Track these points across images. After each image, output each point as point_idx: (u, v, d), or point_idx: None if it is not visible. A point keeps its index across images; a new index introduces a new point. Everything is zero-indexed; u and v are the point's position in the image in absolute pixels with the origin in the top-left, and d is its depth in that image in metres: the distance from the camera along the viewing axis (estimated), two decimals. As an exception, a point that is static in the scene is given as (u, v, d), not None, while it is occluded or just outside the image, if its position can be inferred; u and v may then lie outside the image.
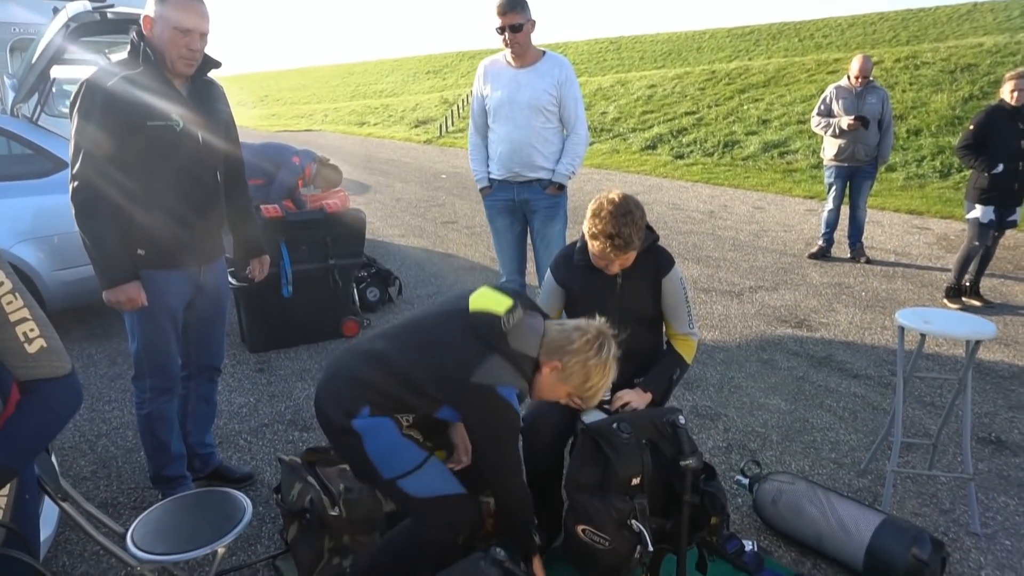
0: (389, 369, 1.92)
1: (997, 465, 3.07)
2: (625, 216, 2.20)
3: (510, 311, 1.93)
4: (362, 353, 1.99)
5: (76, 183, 2.30)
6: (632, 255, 2.30)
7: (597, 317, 2.15)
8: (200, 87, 2.49)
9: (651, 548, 1.98)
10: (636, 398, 2.31)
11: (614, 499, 1.98)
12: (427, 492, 1.95)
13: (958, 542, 2.56)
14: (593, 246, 2.28)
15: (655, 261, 2.40)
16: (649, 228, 2.40)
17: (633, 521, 1.98)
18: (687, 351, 2.45)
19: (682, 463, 2.05)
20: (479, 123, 3.75)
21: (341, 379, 1.96)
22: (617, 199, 2.24)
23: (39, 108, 4.51)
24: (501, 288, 2.03)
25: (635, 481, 2.03)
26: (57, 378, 1.59)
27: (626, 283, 2.39)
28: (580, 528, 2.00)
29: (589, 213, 2.27)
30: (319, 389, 1.99)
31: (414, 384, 1.91)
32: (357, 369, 1.95)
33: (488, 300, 1.96)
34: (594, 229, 2.24)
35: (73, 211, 2.32)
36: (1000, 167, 4.86)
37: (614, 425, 2.06)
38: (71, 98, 2.33)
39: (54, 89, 5.22)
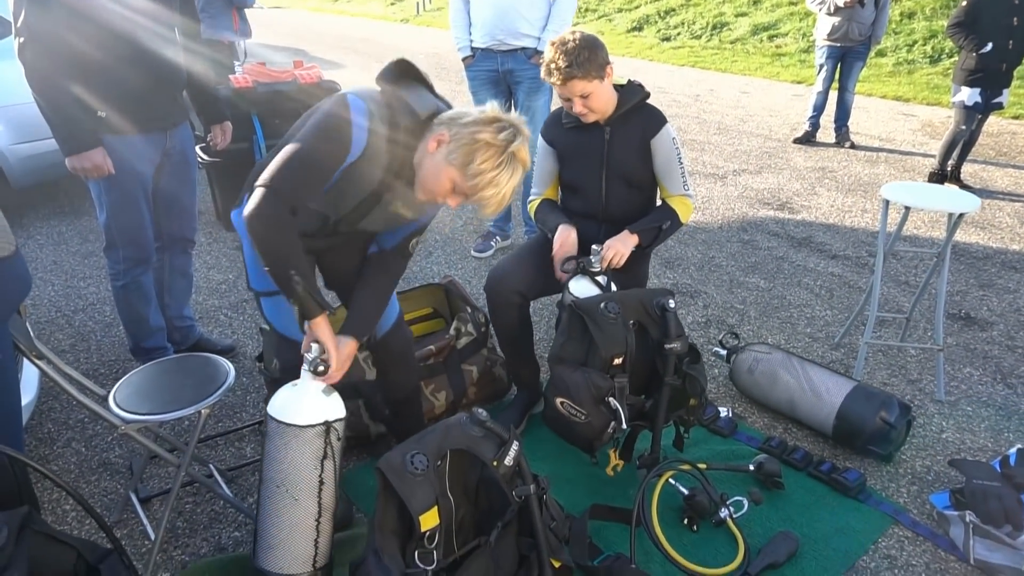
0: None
1: (965, 339, 3.16)
2: (563, 44, 2.17)
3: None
4: None
5: (22, 39, 2.12)
6: (587, 87, 2.20)
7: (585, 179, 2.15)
8: None
9: (625, 426, 2.03)
10: (620, 245, 2.27)
11: (594, 376, 2.01)
12: (279, 324, 1.86)
13: (923, 408, 2.66)
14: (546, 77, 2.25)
15: (645, 118, 2.33)
16: (640, 86, 2.33)
17: (611, 399, 2.02)
18: (681, 208, 2.38)
19: (667, 346, 2.08)
20: None
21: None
22: (565, 35, 2.21)
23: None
24: None
25: (617, 361, 2.05)
26: None
27: (613, 139, 2.33)
28: (559, 400, 2.04)
29: None
30: None
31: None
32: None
33: None
34: (543, 68, 2.24)
35: (24, 71, 2.16)
36: (989, 46, 4.74)
37: (602, 304, 2.06)
38: None
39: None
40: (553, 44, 2.19)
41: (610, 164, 2.35)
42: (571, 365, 2.06)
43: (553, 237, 2.36)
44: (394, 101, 1.63)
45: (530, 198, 2.57)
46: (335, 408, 1.65)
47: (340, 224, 1.78)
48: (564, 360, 2.08)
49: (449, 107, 1.71)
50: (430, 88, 1.72)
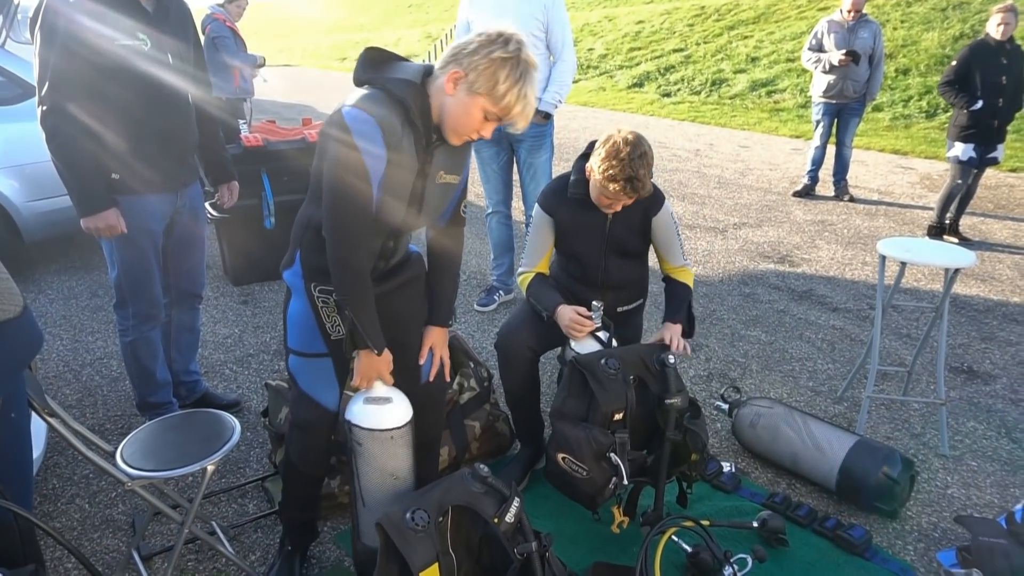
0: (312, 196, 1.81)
1: (968, 393, 3.16)
2: (641, 158, 2.14)
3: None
4: None
5: (44, 107, 2.22)
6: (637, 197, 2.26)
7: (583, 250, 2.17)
8: (166, 4, 2.40)
9: (627, 482, 2.04)
10: (675, 333, 2.29)
11: (595, 432, 2.03)
12: (302, 383, 1.90)
13: (927, 463, 2.65)
14: (608, 188, 2.18)
15: (647, 198, 2.35)
16: None
17: (612, 454, 2.03)
18: (689, 280, 2.46)
19: (667, 401, 2.10)
20: None
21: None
22: (632, 138, 2.16)
23: (5, 32, 4.34)
24: None
25: (618, 416, 2.07)
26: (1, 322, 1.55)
27: (616, 218, 2.37)
28: (560, 456, 2.05)
29: (603, 154, 2.17)
30: None
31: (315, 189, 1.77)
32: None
33: None
34: (612, 171, 2.15)
35: (44, 137, 2.25)
36: (980, 104, 4.86)
37: (602, 360, 2.09)
38: (31, 16, 2.23)
39: (19, 15, 5.00)
40: (630, 155, 2.13)
41: (610, 241, 2.40)
42: (572, 421, 2.08)
43: (547, 316, 2.35)
44: (383, 86, 1.64)
45: (521, 270, 2.53)
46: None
47: (404, 227, 1.81)
48: (565, 416, 2.10)
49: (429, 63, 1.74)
50: (403, 58, 1.76)
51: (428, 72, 1.69)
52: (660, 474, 2.15)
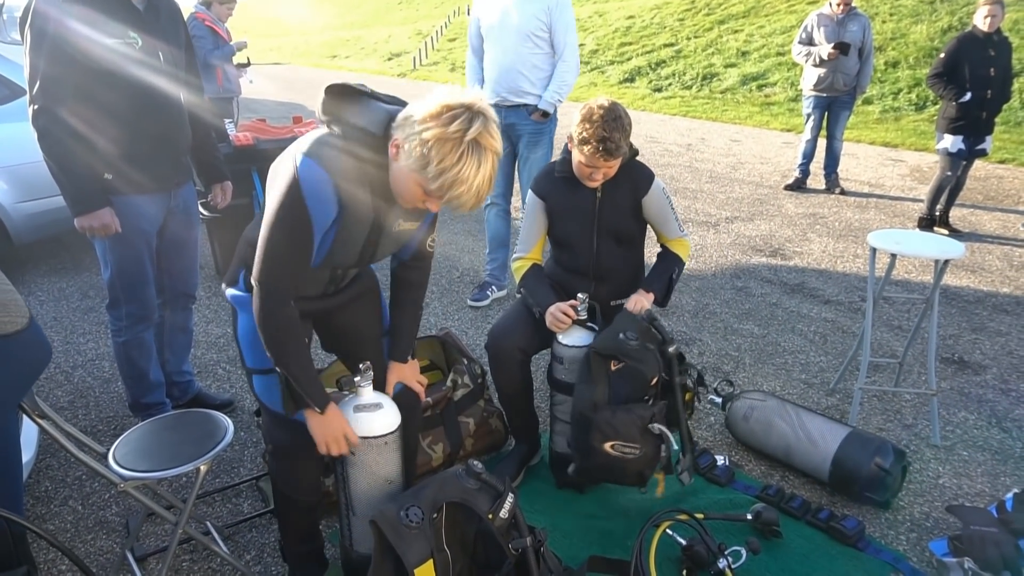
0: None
1: (959, 383, 3.18)
2: (615, 121, 2.14)
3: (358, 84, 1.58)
4: None
5: (36, 107, 2.21)
6: (616, 165, 2.25)
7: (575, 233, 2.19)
8: (157, 4, 2.38)
9: (676, 447, 2.08)
10: (643, 299, 2.34)
11: (636, 408, 2.05)
12: (266, 399, 1.76)
13: (919, 453, 2.67)
14: (582, 152, 2.19)
15: (634, 177, 2.37)
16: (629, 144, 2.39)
17: (653, 424, 2.05)
18: (682, 250, 2.46)
19: (670, 349, 2.15)
20: (475, 44, 3.79)
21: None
22: (607, 104, 2.18)
23: (-9, 32, 4.31)
24: None
25: (654, 381, 2.10)
26: (7, 335, 1.52)
27: (605, 198, 2.36)
28: (609, 445, 2.05)
29: (578, 119, 2.18)
30: None
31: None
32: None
33: None
34: (584, 134, 2.15)
35: (36, 136, 2.24)
36: (968, 96, 4.88)
37: (620, 335, 2.11)
38: (20, 16, 2.22)
39: (5, 16, 4.98)
40: (603, 117, 2.12)
41: (601, 223, 2.39)
42: (608, 408, 2.09)
43: (539, 313, 2.34)
44: (347, 133, 1.53)
45: (515, 255, 2.51)
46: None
47: (357, 266, 1.77)
48: (598, 404, 2.09)
49: (403, 104, 1.57)
50: (375, 95, 1.59)
51: (393, 118, 1.52)
52: (680, 416, 2.21)
